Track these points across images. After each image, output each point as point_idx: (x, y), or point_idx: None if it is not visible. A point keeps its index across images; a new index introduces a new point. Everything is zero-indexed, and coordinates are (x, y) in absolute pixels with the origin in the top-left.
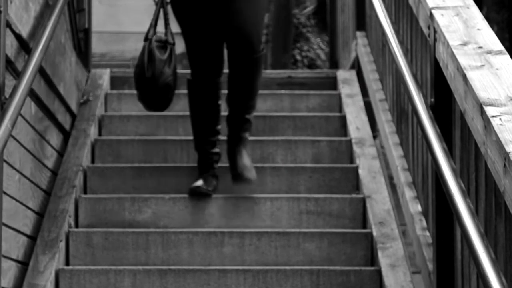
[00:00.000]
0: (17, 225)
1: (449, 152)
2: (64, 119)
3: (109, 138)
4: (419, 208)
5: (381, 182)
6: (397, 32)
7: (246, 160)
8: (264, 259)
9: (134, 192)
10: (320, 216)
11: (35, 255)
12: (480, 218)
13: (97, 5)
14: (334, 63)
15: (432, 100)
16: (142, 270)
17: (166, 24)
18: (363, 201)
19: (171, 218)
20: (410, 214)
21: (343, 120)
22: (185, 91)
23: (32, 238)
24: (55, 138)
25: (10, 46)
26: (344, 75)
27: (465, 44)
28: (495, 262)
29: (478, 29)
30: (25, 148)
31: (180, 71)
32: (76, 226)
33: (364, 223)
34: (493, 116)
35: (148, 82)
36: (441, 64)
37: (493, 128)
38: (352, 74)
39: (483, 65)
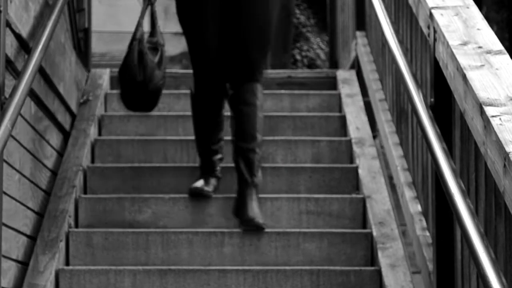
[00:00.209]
0: (17, 225)
1: (449, 152)
2: (64, 119)
3: (109, 138)
4: (419, 208)
5: (381, 182)
6: (397, 32)
7: (256, 206)
8: (264, 259)
9: (134, 192)
10: (320, 216)
11: (35, 255)
12: (480, 218)
13: (97, 5)
14: (334, 63)
15: (432, 100)
16: (142, 270)
17: (154, 23)
18: (363, 201)
19: (171, 218)
20: (410, 214)
21: (343, 120)
22: (186, 91)
23: (32, 238)
24: (55, 138)
25: (10, 45)
26: (344, 75)
27: (464, 44)
28: (495, 262)
29: (478, 29)
30: (25, 148)
31: (180, 70)
32: (76, 226)
33: (364, 223)
34: (493, 116)
35: (139, 86)
36: (441, 64)
37: (493, 128)
38: (352, 74)
39: (483, 65)
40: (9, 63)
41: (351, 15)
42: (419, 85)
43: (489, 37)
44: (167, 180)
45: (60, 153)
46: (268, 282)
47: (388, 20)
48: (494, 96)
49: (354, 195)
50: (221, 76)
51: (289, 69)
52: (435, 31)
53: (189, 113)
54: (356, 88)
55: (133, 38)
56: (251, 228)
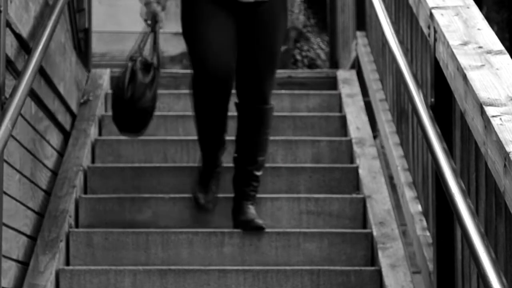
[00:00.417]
0: (17, 225)
1: (449, 152)
2: (64, 119)
3: (109, 138)
4: (419, 208)
5: (381, 182)
6: (397, 32)
7: (253, 211)
8: (264, 259)
9: (134, 192)
10: (320, 216)
11: (35, 255)
12: (480, 218)
13: (97, 5)
14: (334, 63)
15: (432, 100)
16: (142, 270)
17: (154, 47)
18: (363, 201)
19: (171, 218)
20: (410, 214)
21: (343, 120)
22: (185, 91)
23: (32, 238)
24: (55, 138)
25: (10, 46)
26: (344, 75)
27: (465, 44)
28: (495, 262)
29: (478, 29)
30: (25, 148)
31: (180, 70)
32: (76, 226)
33: (364, 223)
34: (493, 116)
35: (126, 104)
36: (441, 64)
37: (493, 128)
38: (352, 74)
39: (483, 65)
40: (9, 63)
41: (351, 15)
42: (419, 85)
43: (489, 37)
44: (167, 180)
45: (61, 153)
46: (268, 282)
47: (388, 20)
48: (495, 96)
49: (354, 195)
50: (227, 92)
51: (289, 69)
52: (435, 31)
53: (189, 113)
54: (356, 88)
55: (130, 58)
56: (251, 230)
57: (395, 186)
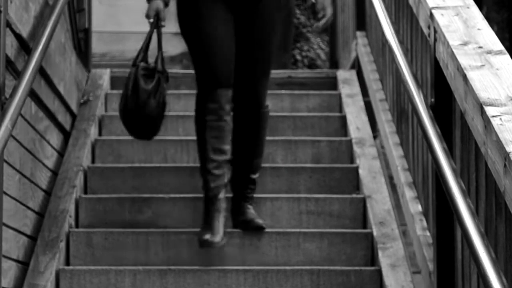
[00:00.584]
0: (17, 225)
1: (449, 152)
2: (64, 119)
3: (109, 138)
4: (419, 208)
5: (381, 182)
6: (397, 32)
7: (253, 211)
8: (264, 259)
9: (134, 192)
10: (320, 216)
11: (36, 255)
12: (481, 218)
13: (97, 5)
14: (334, 63)
15: (432, 100)
16: (142, 270)
17: (159, 48)
18: (363, 201)
19: (171, 218)
20: (411, 214)
21: (343, 120)
22: (186, 91)
23: (33, 238)
24: (55, 138)
25: (10, 46)
26: (344, 75)
27: (465, 44)
28: (495, 262)
29: (478, 29)
30: (25, 148)
31: (180, 70)
32: (77, 226)
33: (364, 223)
34: (493, 116)
35: (131, 113)
36: (441, 64)
37: (493, 128)
38: (352, 74)
39: (483, 65)
40: (9, 63)
41: (352, 15)
42: (419, 85)
43: (489, 37)
44: (167, 180)
45: (61, 153)
46: (268, 282)
47: (388, 20)
48: (495, 96)
49: (354, 195)
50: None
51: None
52: (435, 31)
53: (189, 113)
54: (356, 88)
55: (133, 64)
56: (251, 230)
57: (395, 186)
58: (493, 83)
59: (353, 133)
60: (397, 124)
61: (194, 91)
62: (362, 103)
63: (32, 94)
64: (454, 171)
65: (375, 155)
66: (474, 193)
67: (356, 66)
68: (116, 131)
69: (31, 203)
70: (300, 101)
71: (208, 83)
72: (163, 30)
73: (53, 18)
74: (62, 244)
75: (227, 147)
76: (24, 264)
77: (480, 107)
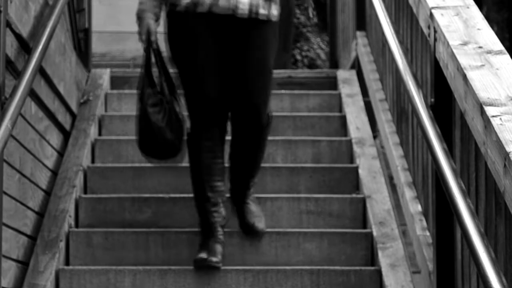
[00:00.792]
0: (17, 225)
1: (449, 152)
2: (64, 119)
3: (109, 138)
4: (419, 208)
5: (381, 182)
6: (397, 32)
7: (254, 207)
8: (264, 259)
9: (134, 192)
10: (320, 216)
11: (35, 255)
12: (480, 218)
13: (97, 5)
14: (334, 63)
15: (432, 100)
16: (142, 270)
17: (159, 70)
18: (363, 201)
19: (171, 218)
20: (410, 214)
21: (343, 120)
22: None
23: (32, 238)
24: (55, 138)
25: (10, 46)
26: (344, 75)
27: (465, 44)
28: (495, 262)
29: (478, 29)
30: (25, 148)
31: None
32: (76, 226)
33: (364, 223)
34: (493, 116)
35: (152, 151)
36: (441, 64)
37: (493, 128)
38: (352, 74)
39: (483, 65)
40: (9, 63)
41: (352, 15)
42: (419, 85)
43: (489, 37)
44: (167, 180)
45: (60, 153)
46: (268, 282)
47: (388, 20)
48: (495, 96)
49: (354, 195)
50: (222, 118)
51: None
52: (435, 31)
53: None
54: (356, 88)
55: (140, 98)
56: (250, 234)
57: (395, 186)
58: (493, 83)
59: (353, 133)
60: (397, 124)
61: None
62: (362, 103)
63: (32, 94)
64: (454, 171)
65: (375, 155)
66: (474, 193)
67: (356, 66)
68: (116, 131)
69: (31, 203)
70: (300, 101)
71: (203, 122)
72: (160, 29)
73: (53, 18)
74: (62, 244)
75: (222, 182)
76: (24, 264)
77: (480, 107)
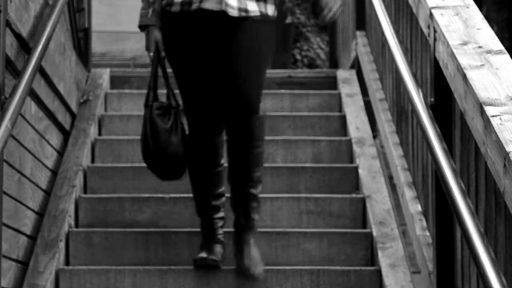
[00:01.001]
0: (17, 225)
1: (449, 152)
2: (64, 118)
3: (109, 138)
4: (419, 208)
5: (381, 182)
6: (397, 31)
7: (254, 251)
8: (264, 259)
9: (134, 192)
10: (320, 216)
11: (35, 255)
12: (480, 218)
13: (97, 5)
14: (334, 63)
15: (432, 99)
16: (142, 270)
17: (167, 83)
18: (363, 201)
19: (171, 218)
20: (410, 214)
21: (343, 119)
22: None
23: (32, 238)
24: (55, 137)
25: (10, 45)
26: (344, 74)
27: (465, 43)
28: (495, 262)
29: (478, 29)
30: (25, 148)
31: None
32: (76, 226)
33: (364, 223)
34: (493, 116)
35: (155, 156)
36: (441, 63)
37: (493, 128)
38: (352, 74)
39: (483, 65)
40: (9, 63)
41: (351, 15)
42: (419, 85)
43: (489, 37)
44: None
45: (60, 153)
46: (268, 282)
47: (388, 20)
48: (494, 96)
49: (354, 195)
50: (217, 119)
51: (289, 69)
52: (435, 31)
53: None
54: (356, 88)
55: (145, 104)
56: (245, 279)
57: (395, 186)
58: (493, 83)
59: (353, 132)
60: (397, 124)
61: None
62: (362, 103)
63: (32, 93)
64: (454, 171)
65: (375, 155)
66: (474, 193)
67: (356, 65)
68: (116, 130)
69: (31, 203)
70: (300, 100)
71: (203, 133)
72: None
73: (53, 18)
74: (62, 244)
75: (223, 186)
76: (23, 264)
77: (480, 107)
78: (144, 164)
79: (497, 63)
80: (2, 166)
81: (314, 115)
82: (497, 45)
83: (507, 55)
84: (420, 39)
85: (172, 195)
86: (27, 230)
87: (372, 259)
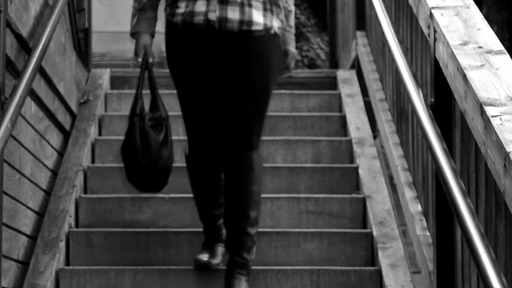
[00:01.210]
0: (17, 225)
1: (449, 152)
2: (64, 119)
3: (109, 138)
4: (419, 208)
5: (381, 182)
6: (397, 31)
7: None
8: (264, 259)
9: (134, 192)
10: (320, 216)
11: (35, 255)
12: (480, 218)
13: (97, 5)
14: (334, 63)
15: (432, 100)
16: (142, 270)
17: (154, 93)
18: (363, 201)
19: (171, 218)
20: (410, 214)
21: (343, 120)
22: None
23: (32, 238)
24: (55, 138)
25: (10, 46)
26: (344, 74)
27: (465, 44)
28: (495, 262)
29: (478, 29)
30: (25, 148)
31: None
32: (76, 226)
33: (364, 223)
34: (493, 116)
35: (145, 169)
36: (441, 64)
37: (493, 128)
38: (352, 74)
39: (483, 65)
40: (9, 63)
41: (351, 15)
42: (419, 85)
43: (489, 37)
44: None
45: (60, 153)
46: (268, 282)
47: (388, 20)
48: (495, 96)
49: (354, 195)
50: (218, 141)
51: None
52: (435, 31)
53: None
54: (356, 88)
55: (133, 113)
56: None
57: (395, 186)
58: (493, 83)
59: (353, 133)
60: (397, 124)
61: None
62: (362, 103)
63: (32, 94)
64: (454, 171)
65: (375, 155)
66: (474, 193)
67: (356, 66)
68: (116, 130)
69: (31, 203)
70: (300, 101)
71: (201, 150)
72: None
73: (53, 18)
74: (62, 244)
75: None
76: (24, 264)
77: (480, 107)
78: None
79: (497, 63)
80: (2, 166)
81: (314, 115)
82: (497, 45)
83: (507, 55)
84: (420, 39)
85: (172, 195)
86: (27, 230)
87: (372, 259)
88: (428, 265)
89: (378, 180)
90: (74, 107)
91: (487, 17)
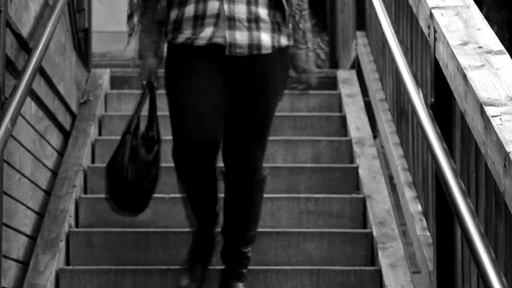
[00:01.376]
0: (17, 225)
1: (449, 152)
2: (64, 119)
3: (109, 138)
4: (419, 208)
5: (381, 182)
6: (397, 31)
7: None
8: (264, 259)
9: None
10: (320, 216)
11: (35, 255)
12: (480, 218)
13: (97, 5)
14: (334, 63)
15: (432, 100)
16: (142, 270)
17: (153, 115)
18: (363, 201)
19: (171, 218)
20: (410, 214)
21: (343, 120)
22: None
23: (32, 238)
24: (55, 138)
25: (10, 46)
26: (344, 75)
27: (465, 44)
28: (495, 262)
29: (478, 29)
30: (25, 148)
31: None
32: (76, 226)
33: (364, 223)
34: (493, 116)
35: (129, 186)
36: (441, 64)
37: (493, 128)
38: (352, 74)
39: (483, 65)
40: (9, 63)
41: (351, 15)
42: (419, 85)
43: (489, 37)
44: (167, 180)
45: (60, 153)
46: (268, 282)
47: (388, 20)
48: (495, 96)
49: (354, 195)
50: (210, 159)
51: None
52: (435, 31)
53: None
54: (356, 88)
55: (127, 130)
56: None
57: (395, 186)
58: (493, 83)
59: (353, 133)
60: (397, 124)
61: None
62: (362, 103)
63: (32, 94)
64: (454, 171)
65: (375, 155)
66: (474, 193)
67: (356, 66)
68: (116, 131)
69: (31, 203)
70: (300, 101)
71: (194, 158)
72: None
73: (53, 18)
74: (62, 244)
75: (217, 205)
76: (24, 264)
77: (480, 107)
78: None
79: (497, 63)
80: (2, 166)
81: (314, 115)
82: (497, 45)
83: (507, 55)
84: (420, 39)
85: (172, 195)
86: (27, 230)
87: (372, 259)
88: (428, 265)
89: (378, 180)
90: (74, 107)
91: (487, 17)
